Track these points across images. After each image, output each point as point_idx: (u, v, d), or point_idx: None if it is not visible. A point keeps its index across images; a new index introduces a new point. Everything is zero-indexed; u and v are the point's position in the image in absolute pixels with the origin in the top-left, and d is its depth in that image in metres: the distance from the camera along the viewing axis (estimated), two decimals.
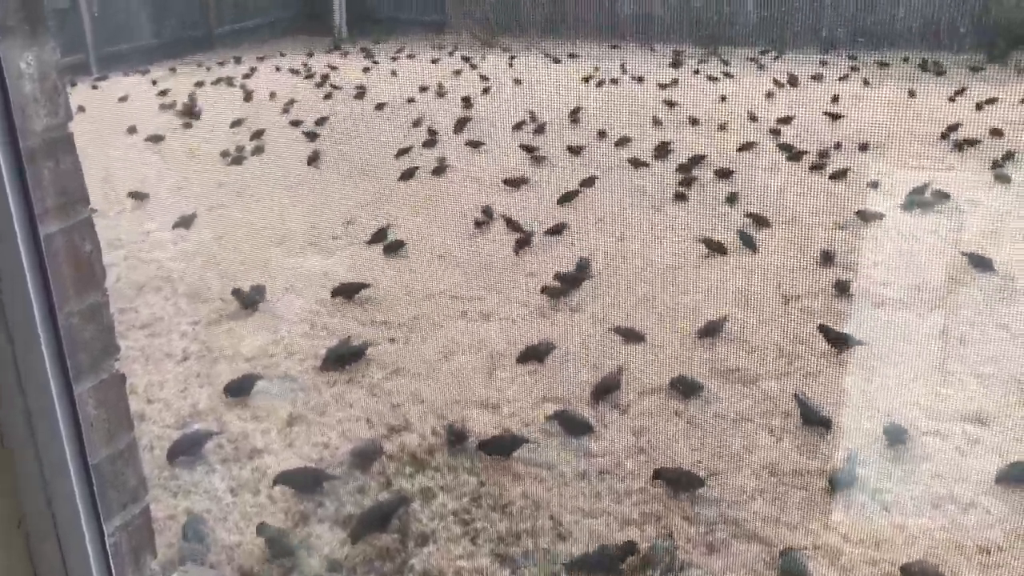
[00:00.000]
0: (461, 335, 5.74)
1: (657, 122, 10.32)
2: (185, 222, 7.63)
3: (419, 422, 4.79)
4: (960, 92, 10.85)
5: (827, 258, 6.51)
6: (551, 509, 4.09)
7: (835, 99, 10.66)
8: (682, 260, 6.84)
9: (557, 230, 7.26)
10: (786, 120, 9.97)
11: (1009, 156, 8.41)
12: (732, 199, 7.80)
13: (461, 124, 10.40)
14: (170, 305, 6.27)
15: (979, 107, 10.01)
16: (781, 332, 5.64)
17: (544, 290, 6.17)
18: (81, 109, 10.51)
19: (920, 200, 7.47)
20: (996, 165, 8.25)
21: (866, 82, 11.85)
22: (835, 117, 10.10)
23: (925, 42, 13.49)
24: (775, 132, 9.68)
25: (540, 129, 10.15)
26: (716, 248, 6.80)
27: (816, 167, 8.60)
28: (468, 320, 5.96)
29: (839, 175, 8.20)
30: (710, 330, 5.56)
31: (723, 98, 11.34)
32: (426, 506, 4.13)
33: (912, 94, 10.78)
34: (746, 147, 9.10)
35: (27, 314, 1.36)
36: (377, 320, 6.00)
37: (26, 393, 1.40)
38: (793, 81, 11.79)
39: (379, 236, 7.23)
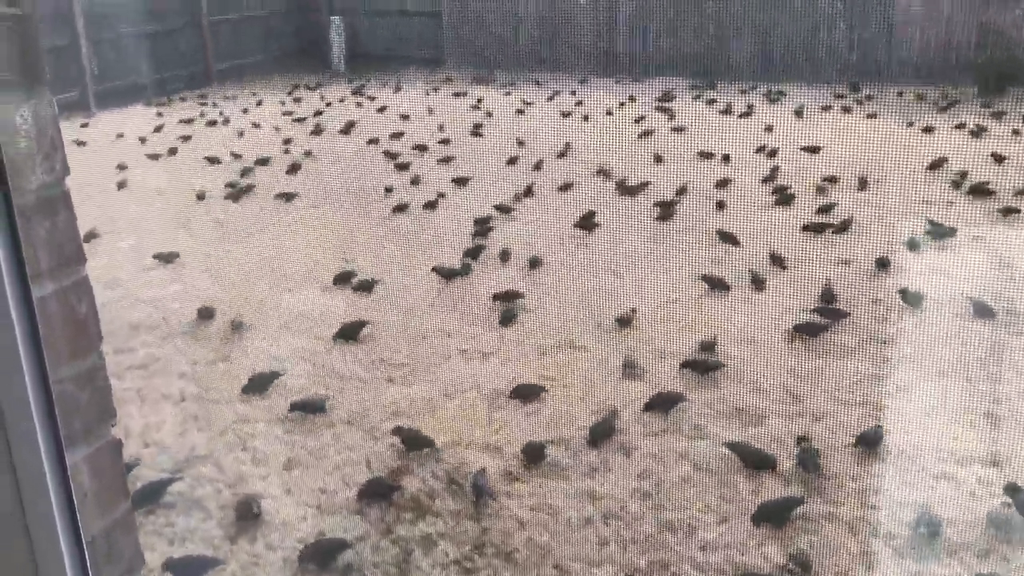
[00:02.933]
0: (458, 373, 5.66)
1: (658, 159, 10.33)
2: (167, 258, 7.59)
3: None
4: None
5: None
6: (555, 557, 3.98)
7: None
8: (683, 295, 6.77)
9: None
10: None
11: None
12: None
13: (447, 160, 10.48)
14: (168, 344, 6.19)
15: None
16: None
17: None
18: (80, 143, 10.50)
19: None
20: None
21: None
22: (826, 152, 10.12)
23: (920, 77, 13.57)
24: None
25: (538, 165, 10.14)
26: (718, 284, 6.75)
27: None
28: (466, 359, 5.88)
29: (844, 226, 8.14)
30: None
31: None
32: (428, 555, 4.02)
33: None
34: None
35: (17, 383, 1.29)
36: (375, 359, 5.91)
37: (15, 467, 1.32)
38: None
39: (345, 277, 7.17)
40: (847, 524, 4.14)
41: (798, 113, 11.97)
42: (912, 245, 7.36)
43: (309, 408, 5.24)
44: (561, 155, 10.67)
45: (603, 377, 5.57)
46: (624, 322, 6.19)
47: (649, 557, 3.98)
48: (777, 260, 7.12)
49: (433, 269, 7.17)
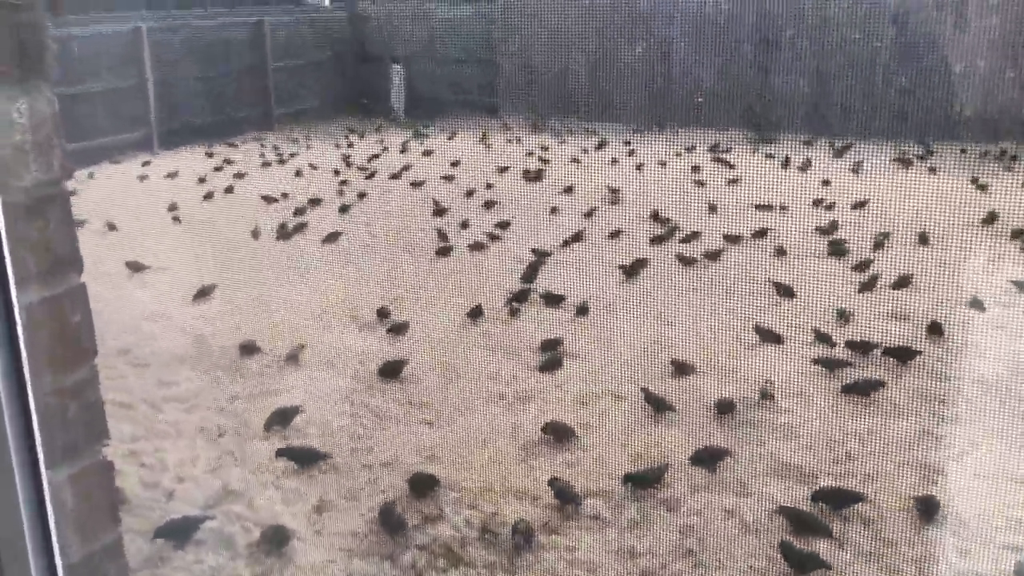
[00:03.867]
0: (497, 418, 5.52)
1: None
2: (204, 292, 7.66)
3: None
4: None
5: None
6: None
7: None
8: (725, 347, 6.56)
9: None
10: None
11: None
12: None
13: (489, 205, 10.51)
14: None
15: None
16: None
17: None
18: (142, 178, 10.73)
19: None
20: None
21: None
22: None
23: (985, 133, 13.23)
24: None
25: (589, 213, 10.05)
26: (769, 337, 6.53)
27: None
28: (505, 403, 5.74)
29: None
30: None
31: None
32: None
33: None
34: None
35: None
36: (414, 401, 5.80)
37: None
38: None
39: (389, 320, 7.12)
40: None
41: (858, 167, 11.72)
42: (975, 304, 7.06)
43: (300, 458, 5.03)
44: (613, 202, 10.58)
45: (645, 426, 5.38)
46: (675, 370, 6.01)
47: None
48: (839, 315, 6.87)
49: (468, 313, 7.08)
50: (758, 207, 10.02)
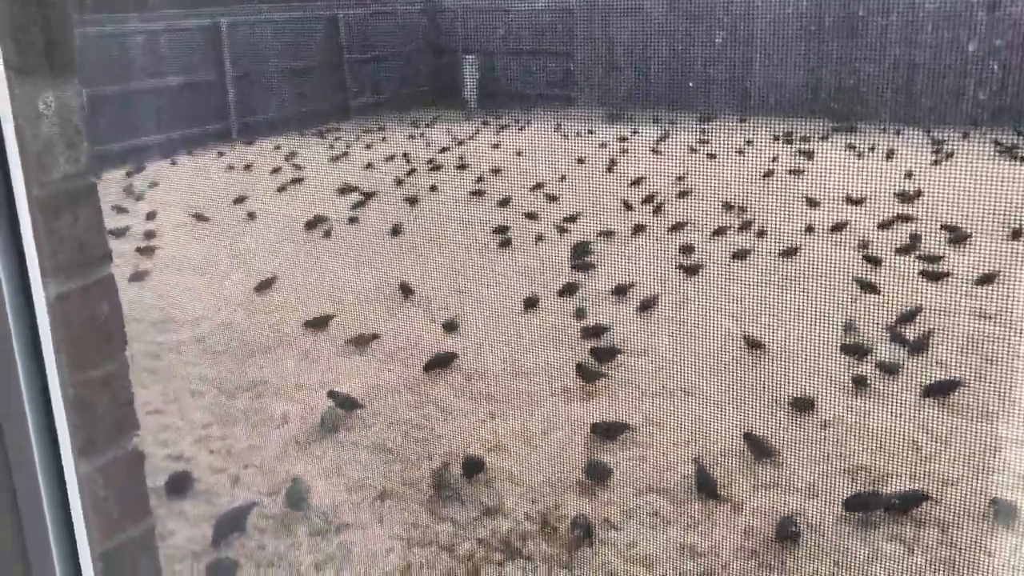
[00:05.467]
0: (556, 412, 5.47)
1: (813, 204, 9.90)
2: (270, 284, 7.81)
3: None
4: None
5: None
6: None
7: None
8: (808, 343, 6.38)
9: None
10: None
11: None
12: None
13: (557, 198, 10.42)
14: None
15: None
16: None
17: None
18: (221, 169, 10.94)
19: None
20: None
21: None
22: None
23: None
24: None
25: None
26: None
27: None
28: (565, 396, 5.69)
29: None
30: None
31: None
32: None
33: None
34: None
35: (14, 384, 1.21)
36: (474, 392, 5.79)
37: (12, 472, 1.24)
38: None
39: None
40: None
41: (941, 156, 11.27)
42: None
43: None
44: (682, 194, 10.41)
45: (710, 424, 5.26)
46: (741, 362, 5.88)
47: None
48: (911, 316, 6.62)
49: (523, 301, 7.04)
50: (849, 199, 9.73)
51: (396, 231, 9.41)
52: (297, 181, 11.71)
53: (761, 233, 8.77)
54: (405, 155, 13.36)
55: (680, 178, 10.94)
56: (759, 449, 4.81)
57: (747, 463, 4.80)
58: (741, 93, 15.52)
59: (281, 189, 11.42)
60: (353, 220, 9.90)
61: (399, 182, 11.68)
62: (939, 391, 5.43)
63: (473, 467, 4.76)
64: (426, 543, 4.25)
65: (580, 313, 6.96)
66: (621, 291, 7.33)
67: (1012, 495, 4.40)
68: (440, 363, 6.13)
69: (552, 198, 10.50)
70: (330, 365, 6.28)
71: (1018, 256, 7.82)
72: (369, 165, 12.68)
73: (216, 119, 14.73)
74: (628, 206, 9.91)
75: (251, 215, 10.21)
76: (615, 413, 5.39)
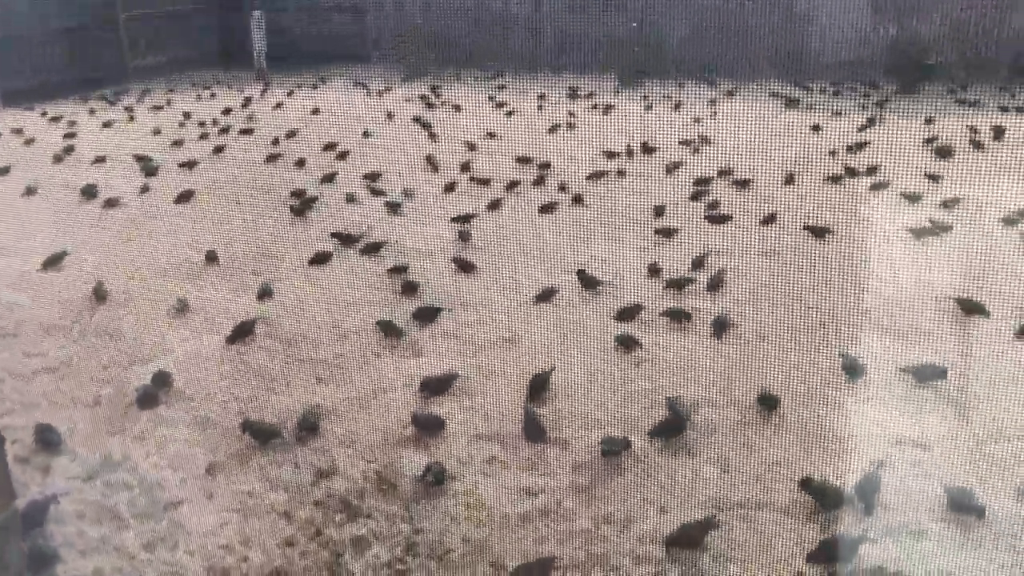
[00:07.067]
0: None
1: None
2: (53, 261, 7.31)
3: None
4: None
5: None
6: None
7: None
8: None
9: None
10: None
11: None
12: None
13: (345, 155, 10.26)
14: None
15: None
16: None
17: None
18: None
19: None
20: None
21: None
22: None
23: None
24: None
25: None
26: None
27: None
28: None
29: None
30: None
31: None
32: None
33: None
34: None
35: None
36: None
37: None
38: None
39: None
40: None
41: None
42: None
43: None
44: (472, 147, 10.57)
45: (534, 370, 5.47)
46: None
47: None
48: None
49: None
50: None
51: (186, 197, 8.99)
52: (70, 150, 10.87)
53: (562, 188, 9.09)
54: (186, 115, 12.74)
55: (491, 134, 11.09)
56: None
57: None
58: (532, 53, 15.78)
59: (57, 159, 10.58)
60: (145, 189, 9.37)
61: (178, 143, 11.17)
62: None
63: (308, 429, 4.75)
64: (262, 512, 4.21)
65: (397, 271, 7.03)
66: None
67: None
68: (243, 332, 5.97)
69: (343, 156, 10.37)
70: (137, 340, 5.98)
71: None
72: (157, 131, 11.94)
73: None
74: (432, 164, 10.00)
75: (29, 189, 9.39)
76: (443, 367, 5.48)
